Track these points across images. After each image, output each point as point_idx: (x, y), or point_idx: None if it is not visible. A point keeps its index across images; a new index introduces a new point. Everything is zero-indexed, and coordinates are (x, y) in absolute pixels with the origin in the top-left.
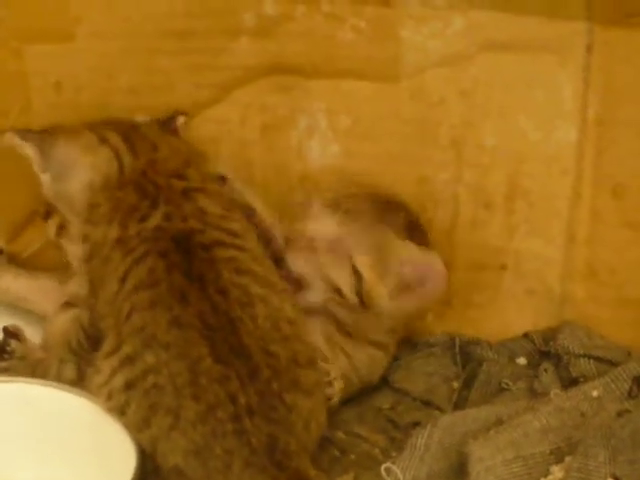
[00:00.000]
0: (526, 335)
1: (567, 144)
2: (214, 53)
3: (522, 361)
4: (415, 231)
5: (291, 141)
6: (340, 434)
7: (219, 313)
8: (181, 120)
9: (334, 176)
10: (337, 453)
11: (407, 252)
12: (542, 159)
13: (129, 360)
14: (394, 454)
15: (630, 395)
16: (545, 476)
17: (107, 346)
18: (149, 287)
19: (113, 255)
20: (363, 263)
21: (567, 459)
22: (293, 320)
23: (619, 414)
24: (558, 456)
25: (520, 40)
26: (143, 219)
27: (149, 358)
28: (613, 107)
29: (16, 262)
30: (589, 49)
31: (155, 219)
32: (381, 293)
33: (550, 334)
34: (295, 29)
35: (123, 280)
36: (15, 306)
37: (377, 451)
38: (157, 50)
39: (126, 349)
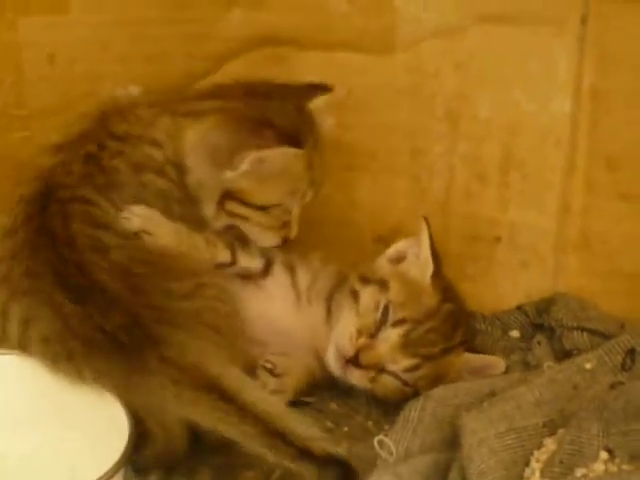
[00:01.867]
0: (519, 307)
1: (562, 115)
2: (207, 24)
3: (515, 334)
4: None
5: None
6: (333, 406)
7: (68, 262)
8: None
9: (329, 148)
10: (330, 425)
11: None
12: (536, 130)
13: (2, 312)
14: (387, 427)
15: (623, 367)
16: (538, 448)
17: None
18: (10, 236)
19: None
20: None
21: (560, 431)
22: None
23: (612, 386)
24: (551, 428)
25: (515, 12)
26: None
27: (15, 308)
28: (608, 78)
29: None
30: (584, 20)
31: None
32: None
33: (543, 306)
34: (288, 0)
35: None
36: None
37: (370, 423)
38: (150, 21)
39: None
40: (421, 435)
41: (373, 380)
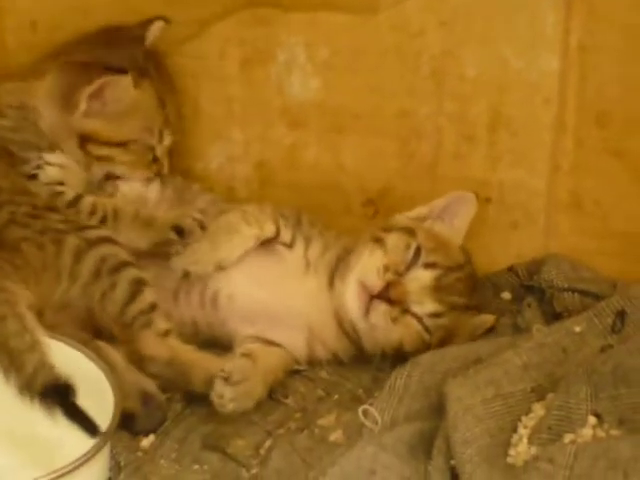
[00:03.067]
0: (511, 269)
1: (550, 72)
2: None
3: (507, 295)
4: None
5: (270, 76)
6: (324, 374)
7: None
8: (157, 25)
9: (315, 111)
10: (322, 393)
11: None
12: (524, 88)
13: None
14: (377, 394)
15: (613, 330)
16: (526, 414)
17: None
18: None
19: None
20: None
21: (549, 396)
22: None
23: (602, 349)
24: (539, 393)
25: None
26: None
27: None
28: (595, 33)
29: None
30: None
31: None
32: None
33: (535, 267)
34: None
35: None
36: None
37: (361, 391)
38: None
39: None
40: (407, 403)
41: (395, 320)
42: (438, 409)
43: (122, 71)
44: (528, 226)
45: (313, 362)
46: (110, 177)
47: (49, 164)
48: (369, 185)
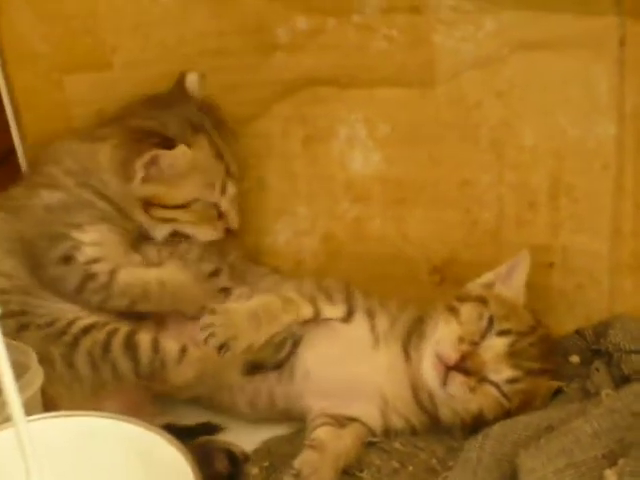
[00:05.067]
0: (578, 332)
1: (606, 138)
2: (250, 70)
3: (575, 359)
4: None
5: (333, 152)
6: (398, 445)
7: None
8: (191, 78)
9: (378, 184)
10: (396, 465)
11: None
12: (583, 155)
13: None
14: (451, 463)
15: None
16: None
17: None
18: None
19: None
20: None
21: (620, 462)
22: None
23: None
24: (611, 459)
25: (552, 38)
26: None
27: None
28: None
29: None
30: (622, 42)
31: None
32: None
33: (601, 329)
34: (328, 41)
35: None
36: None
37: (435, 461)
38: (193, 71)
39: None
40: (481, 475)
41: (473, 389)
42: None
43: (171, 142)
44: (593, 289)
45: (388, 432)
46: (177, 234)
47: (84, 243)
48: (434, 254)
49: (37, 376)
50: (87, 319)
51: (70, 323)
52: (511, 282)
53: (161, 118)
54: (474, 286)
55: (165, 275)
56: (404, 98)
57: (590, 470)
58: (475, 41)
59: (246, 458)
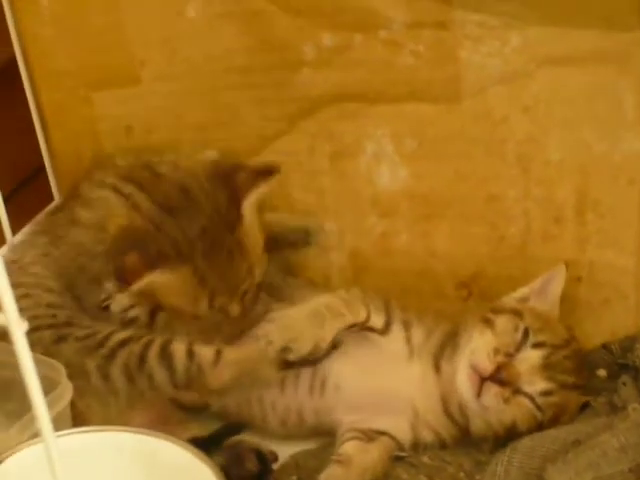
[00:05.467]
0: (605, 346)
1: (632, 153)
2: (277, 86)
3: (602, 373)
4: None
5: (360, 167)
6: (425, 459)
7: None
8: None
9: (405, 199)
10: (424, 479)
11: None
12: (609, 170)
13: None
14: (479, 477)
15: None
16: None
17: None
18: None
19: None
20: None
21: None
22: None
23: None
24: (638, 473)
25: (578, 53)
26: None
27: None
28: None
29: None
30: None
31: None
32: None
33: (628, 344)
34: (355, 57)
35: None
36: None
37: (462, 475)
38: (221, 87)
39: None
40: None
41: (508, 400)
42: None
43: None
44: (619, 303)
45: (417, 446)
46: None
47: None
48: (461, 269)
49: (66, 391)
50: (124, 332)
51: (107, 336)
52: (546, 296)
53: (162, 225)
54: (509, 299)
55: None
56: (430, 113)
57: None
58: (501, 56)
59: (275, 457)
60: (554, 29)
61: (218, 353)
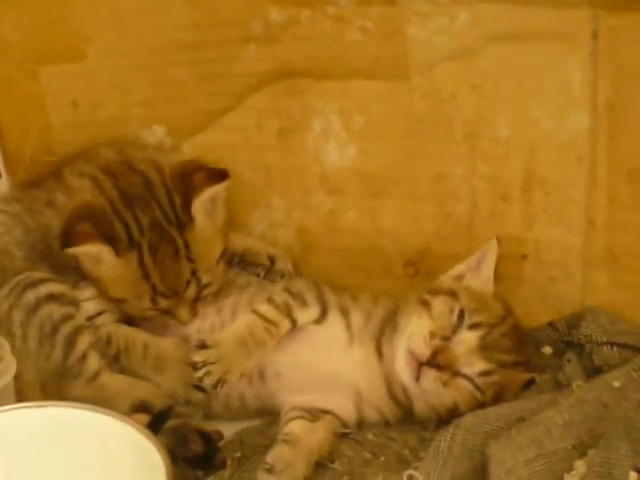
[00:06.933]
0: (550, 324)
1: (580, 131)
2: (225, 62)
3: (547, 350)
4: None
5: (308, 144)
6: (370, 436)
7: None
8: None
9: (353, 177)
10: (368, 455)
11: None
12: (556, 147)
13: None
14: (423, 454)
15: None
16: (568, 471)
17: None
18: None
19: None
20: None
21: (590, 452)
22: None
23: None
24: (581, 450)
25: (526, 31)
26: None
27: None
28: (623, 91)
29: None
30: (595, 35)
31: None
32: None
33: (573, 321)
34: (302, 33)
35: None
36: None
37: (407, 451)
38: (169, 63)
39: None
40: (451, 466)
41: (446, 383)
42: (482, 471)
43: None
44: (565, 281)
45: (361, 425)
46: None
47: (83, 300)
48: (408, 246)
49: (10, 367)
50: (56, 286)
51: (42, 280)
52: (480, 272)
53: (119, 211)
54: (446, 278)
55: None
56: (379, 90)
57: (560, 461)
58: (449, 33)
59: (220, 436)
60: (503, 6)
61: (96, 375)
